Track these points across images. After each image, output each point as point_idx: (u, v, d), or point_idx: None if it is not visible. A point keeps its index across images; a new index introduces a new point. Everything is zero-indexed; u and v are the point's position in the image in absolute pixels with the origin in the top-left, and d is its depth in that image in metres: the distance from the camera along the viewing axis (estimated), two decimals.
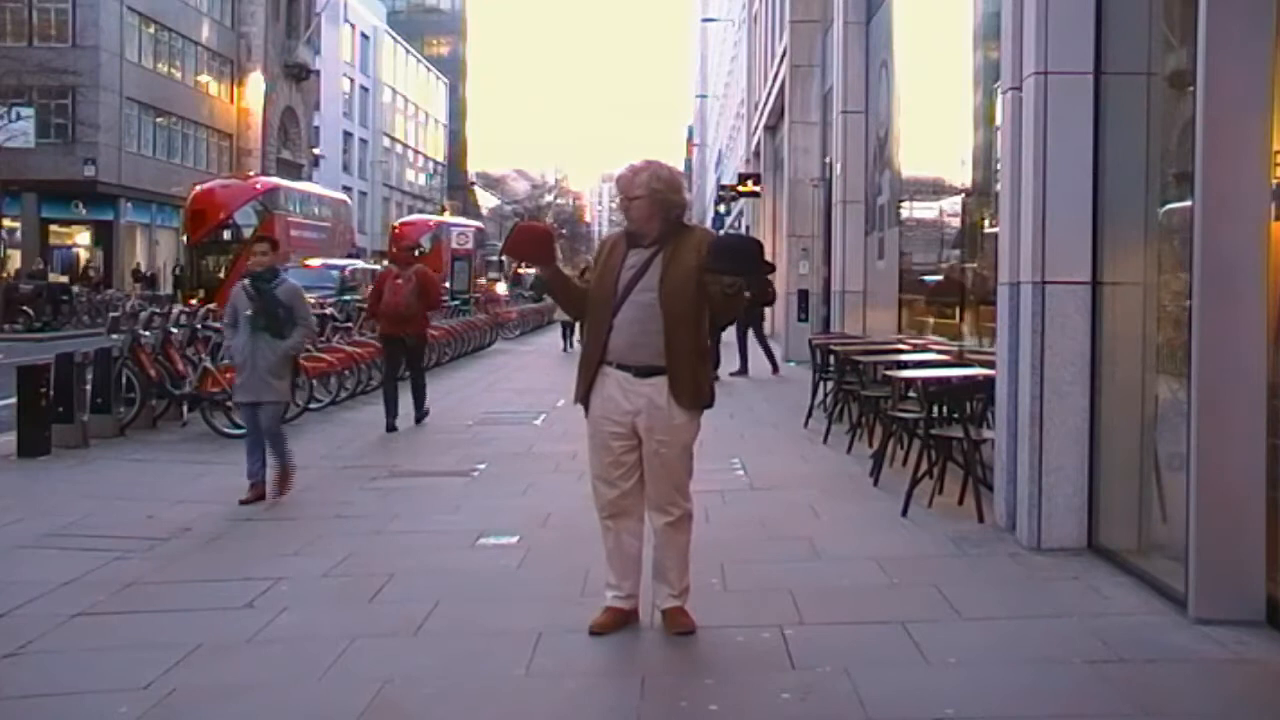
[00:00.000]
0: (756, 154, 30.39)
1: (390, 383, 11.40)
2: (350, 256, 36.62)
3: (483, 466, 9.01)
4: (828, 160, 16.75)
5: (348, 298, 19.61)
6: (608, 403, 4.71)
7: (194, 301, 21.34)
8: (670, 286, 4.61)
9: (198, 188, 30.88)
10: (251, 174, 38.08)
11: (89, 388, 10.30)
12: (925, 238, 11.78)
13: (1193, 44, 4.81)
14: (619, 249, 4.80)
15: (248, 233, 27.57)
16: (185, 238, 30.81)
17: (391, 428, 11.01)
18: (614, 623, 4.77)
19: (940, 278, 10.97)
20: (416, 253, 17.88)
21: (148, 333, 11.23)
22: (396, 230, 40.64)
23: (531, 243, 4.99)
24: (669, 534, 4.80)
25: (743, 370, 16.69)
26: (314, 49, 54.01)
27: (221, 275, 26.10)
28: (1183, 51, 5.34)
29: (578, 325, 20.35)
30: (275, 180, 35.03)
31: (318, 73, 54.93)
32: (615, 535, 4.82)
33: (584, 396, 4.78)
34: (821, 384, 11.22)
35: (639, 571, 4.86)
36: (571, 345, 21.57)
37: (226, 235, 28.23)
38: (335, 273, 24.36)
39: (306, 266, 24.12)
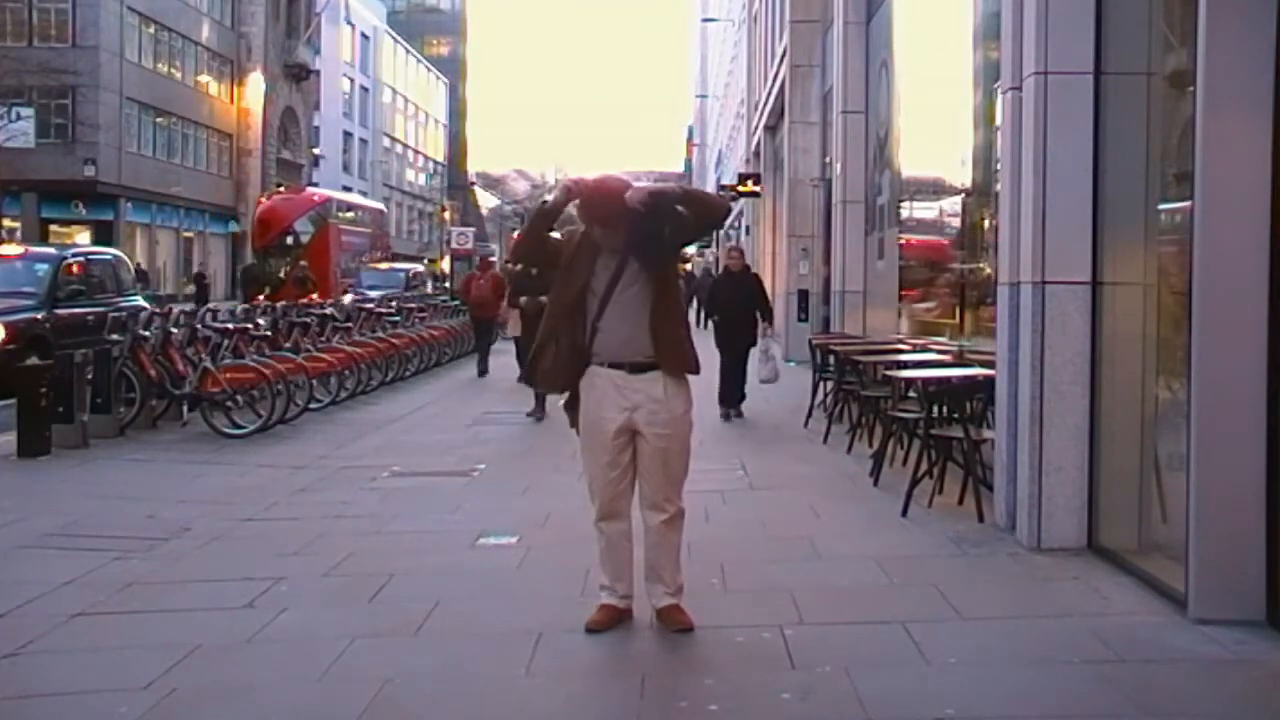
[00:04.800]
0: (756, 154, 30.37)
1: (482, 346, 17.55)
2: (384, 259, 39.04)
3: (482, 466, 9.00)
4: (828, 160, 16.74)
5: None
6: (604, 401, 4.72)
7: (261, 298, 21.90)
8: (651, 266, 4.68)
9: (263, 201, 36.38)
10: (294, 186, 42.76)
11: (89, 388, 10.29)
12: (925, 237, 11.77)
13: (1193, 44, 4.81)
14: (585, 253, 4.76)
15: (305, 238, 32.94)
16: (251, 243, 36.78)
17: (483, 372, 16.98)
18: (610, 620, 4.79)
19: (939, 277, 10.96)
20: None
21: (148, 333, 11.23)
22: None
23: (606, 200, 4.68)
24: (664, 532, 4.81)
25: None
26: (314, 49, 54.05)
27: (281, 275, 29.85)
28: (1183, 51, 5.33)
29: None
30: (328, 193, 40.48)
31: (318, 73, 54.98)
32: (607, 538, 4.84)
33: (564, 387, 4.84)
34: (821, 384, 11.21)
35: (632, 572, 4.88)
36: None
37: (289, 241, 32.78)
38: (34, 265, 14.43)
39: None
